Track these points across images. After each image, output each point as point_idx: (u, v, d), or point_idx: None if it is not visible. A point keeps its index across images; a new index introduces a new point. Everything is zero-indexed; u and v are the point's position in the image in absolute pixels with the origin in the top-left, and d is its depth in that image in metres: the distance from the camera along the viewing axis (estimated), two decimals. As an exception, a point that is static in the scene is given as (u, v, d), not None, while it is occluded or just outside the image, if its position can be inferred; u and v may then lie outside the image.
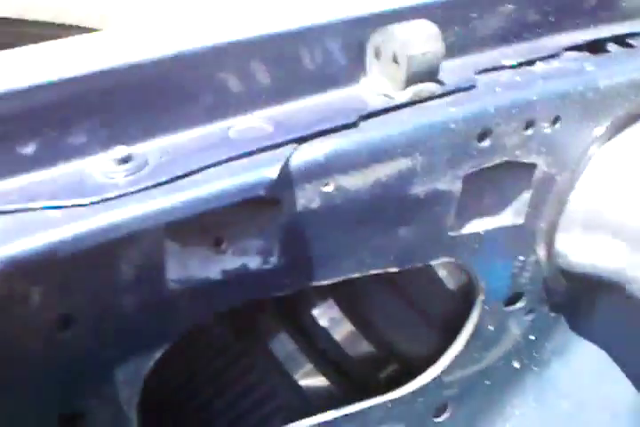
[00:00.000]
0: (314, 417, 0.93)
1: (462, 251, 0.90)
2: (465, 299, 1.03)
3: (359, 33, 0.74)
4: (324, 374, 1.01)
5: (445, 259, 0.89)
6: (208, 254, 0.68)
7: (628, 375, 1.21)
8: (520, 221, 0.93)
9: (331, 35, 0.72)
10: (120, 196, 0.58)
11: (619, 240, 0.99)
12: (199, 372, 0.98)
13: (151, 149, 0.63)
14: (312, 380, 1.01)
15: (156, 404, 0.98)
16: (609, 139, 0.98)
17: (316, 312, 1.02)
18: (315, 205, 0.71)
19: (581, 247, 1.03)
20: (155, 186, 0.59)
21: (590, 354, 1.22)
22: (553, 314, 1.13)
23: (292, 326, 1.01)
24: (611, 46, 0.93)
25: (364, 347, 1.04)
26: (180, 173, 0.60)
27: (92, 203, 0.57)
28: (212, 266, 0.69)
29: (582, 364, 1.22)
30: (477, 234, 0.90)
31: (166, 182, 0.59)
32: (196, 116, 0.68)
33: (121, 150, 0.60)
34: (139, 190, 0.58)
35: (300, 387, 0.99)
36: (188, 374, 0.99)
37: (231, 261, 0.70)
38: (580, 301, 1.17)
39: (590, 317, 1.22)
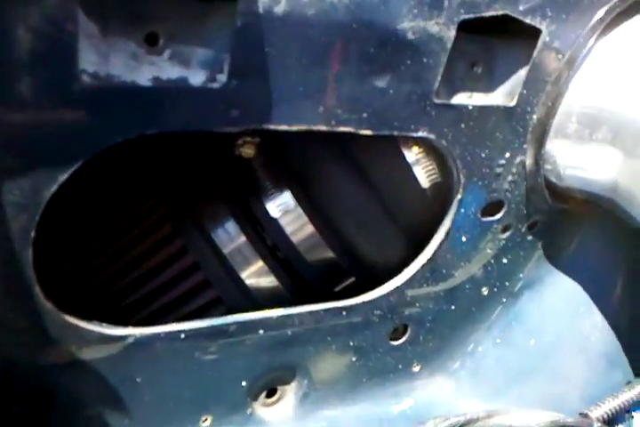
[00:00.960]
0: (257, 312, 0.79)
1: (446, 127, 0.77)
2: (439, 202, 0.90)
3: None
4: (275, 276, 0.87)
5: (426, 133, 0.76)
6: (137, 52, 0.53)
7: (606, 317, 1.11)
8: (512, 102, 0.81)
9: None
10: None
11: (615, 147, 0.89)
12: (121, 250, 0.83)
13: None
14: (260, 279, 0.87)
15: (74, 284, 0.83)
16: (611, 27, 0.87)
17: (270, 205, 0.87)
18: (280, 9, 0.57)
19: (573, 153, 0.92)
20: None
21: (565, 291, 1.12)
22: (530, 237, 1.01)
23: (242, 217, 0.86)
24: None
25: (322, 252, 0.90)
26: None
27: None
28: (142, 69, 0.54)
29: (555, 301, 1.11)
30: (465, 109, 0.77)
31: None
32: None
33: None
34: None
35: (242, 281, 0.84)
36: (111, 252, 0.83)
37: (167, 69, 0.55)
38: (560, 226, 1.06)
39: (568, 248, 1.12)
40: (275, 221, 0.86)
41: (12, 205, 0.52)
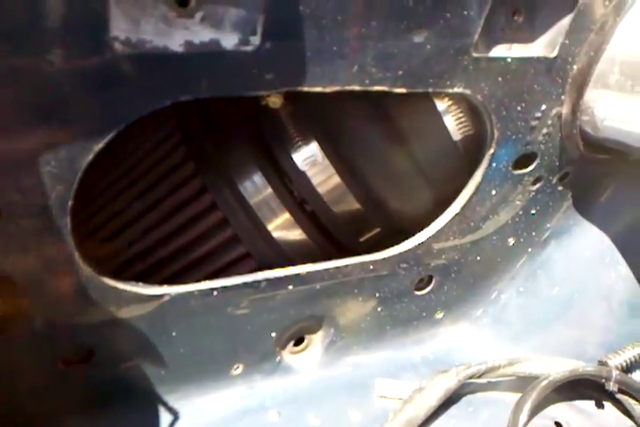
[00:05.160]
0: (286, 269, 0.80)
1: (483, 81, 0.74)
2: (470, 155, 0.88)
3: None
4: (302, 228, 0.87)
5: (462, 89, 0.73)
6: (168, 15, 0.51)
7: (632, 267, 1.10)
8: (553, 53, 0.77)
9: None
10: None
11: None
12: (152, 205, 0.83)
13: None
14: (287, 232, 0.87)
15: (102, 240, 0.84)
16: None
17: (297, 157, 0.86)
18: (314, -35, 0.53)
19: (613, 104, 0.88)
20: None
21: (592, 241, 1.11)
22: (560, 188, 1.00)
23: (268, 169, 0.85)
24: None
25: (349, 204, 0.90)
26: None
27: None
28: (174, 33, 0.52)
29: (581, 250, 1.10)
30: (503, 62, 0.74)
31: None
32: None
33: None
34: None
35: (270, 235, 0.85)
36: (141, 208, 0.83)
37: (199, 32, 0.53)
38: (591, 177, 1.04)
39: (599, 199, 1.10)
40: (302, 173, 0.85)
41: (49, 175, 0.51)
